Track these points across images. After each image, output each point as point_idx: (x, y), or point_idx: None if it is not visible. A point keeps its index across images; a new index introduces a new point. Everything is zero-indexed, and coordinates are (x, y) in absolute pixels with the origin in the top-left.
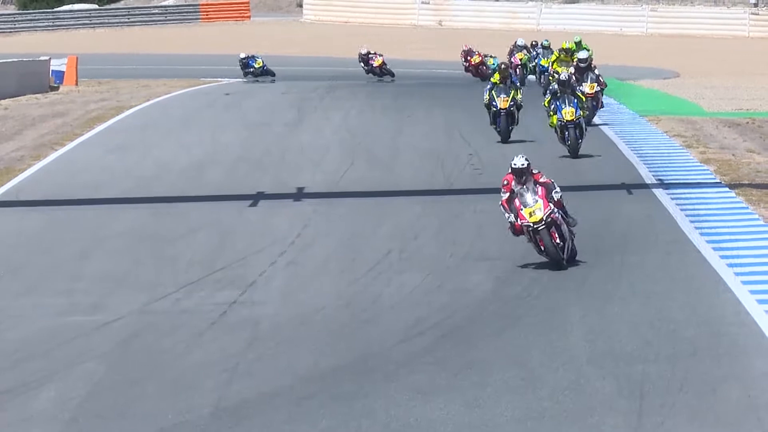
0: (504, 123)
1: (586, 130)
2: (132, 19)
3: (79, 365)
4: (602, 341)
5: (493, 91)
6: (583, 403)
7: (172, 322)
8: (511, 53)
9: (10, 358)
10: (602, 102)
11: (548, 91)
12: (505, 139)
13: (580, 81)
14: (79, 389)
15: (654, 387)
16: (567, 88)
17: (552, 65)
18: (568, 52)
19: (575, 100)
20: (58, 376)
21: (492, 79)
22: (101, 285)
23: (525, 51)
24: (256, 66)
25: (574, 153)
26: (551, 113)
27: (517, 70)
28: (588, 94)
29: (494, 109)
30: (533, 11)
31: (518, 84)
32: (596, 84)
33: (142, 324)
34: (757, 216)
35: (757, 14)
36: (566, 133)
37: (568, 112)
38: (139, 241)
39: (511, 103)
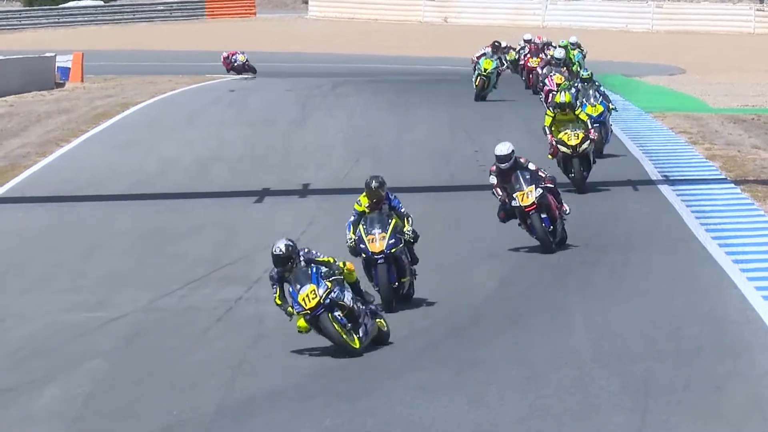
0: (383, 277)
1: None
2: (137, 16)
3: (84, 363)
4: (606, 339)
5: (360, 226)
6: (587, 402)
7: (176, 320)
8: (530, 56)
9: (14, 356)
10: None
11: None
12: (389, 304)
13: (512, 189)
14: (83, 387)
15: (658, 385)
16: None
17: (549, 131)
18: (566, 108)
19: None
20: (62, 374)
21: (356, 206)
22: (106, 282)
23: (544, 55)
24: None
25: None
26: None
27: (530, 76)
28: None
29: (364, 255)
30: (538, 7)
31: (401, 207)
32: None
33: (147, 321)
34: (762, 212)
35: (763, 10)
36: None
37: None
38: (143, 238)
39: (391, 241)
